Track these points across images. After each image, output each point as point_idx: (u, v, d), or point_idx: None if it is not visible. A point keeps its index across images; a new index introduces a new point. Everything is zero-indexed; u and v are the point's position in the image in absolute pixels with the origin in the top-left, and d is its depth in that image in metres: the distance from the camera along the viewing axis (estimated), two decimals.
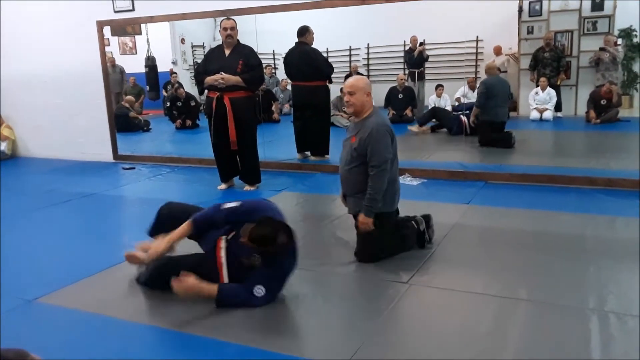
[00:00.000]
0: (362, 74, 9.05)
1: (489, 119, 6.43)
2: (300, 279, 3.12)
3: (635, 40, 8.06)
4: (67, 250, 3.68)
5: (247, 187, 5.04)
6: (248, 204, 2.83)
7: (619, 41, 8.02)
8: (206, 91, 4.90)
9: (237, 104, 4.70)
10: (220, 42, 4.94)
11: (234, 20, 4.83)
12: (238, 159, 5.04)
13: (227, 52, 4.79)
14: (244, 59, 4.70)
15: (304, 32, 5.77)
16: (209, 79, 4.72)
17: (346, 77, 9.50)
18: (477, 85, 6.94)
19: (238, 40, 4.83)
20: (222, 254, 2.75)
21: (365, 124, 3.09)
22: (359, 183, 3.14)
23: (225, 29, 4.74)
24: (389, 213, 3.21)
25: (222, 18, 4.91)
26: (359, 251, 3.22)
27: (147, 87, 7.90)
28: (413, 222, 3.28)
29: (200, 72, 4.89)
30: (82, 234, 4.05)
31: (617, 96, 7.60)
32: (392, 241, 3.24)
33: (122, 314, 2.69)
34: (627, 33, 8.03)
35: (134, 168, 6.32)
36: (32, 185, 5.67)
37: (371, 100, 3.13)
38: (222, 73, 4.66)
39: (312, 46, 5.86)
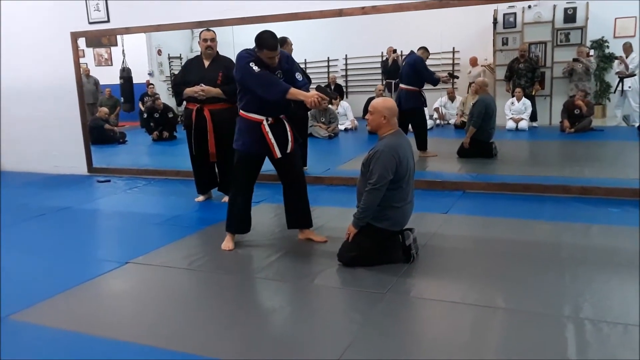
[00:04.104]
0: (340, 85, 9.12)
1: (480, 139, 6.36)
2: (278, 291, 3.11)
3: (607, 51, 8.25)
4: (41, 266, 3.59)
5: (226, 199, 4.99)
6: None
7: (592, 52, 8.20)
8: (185, 102, 4.86)
9: (217, 115, 4.66)
10: (197, 53, 4.90)
11: (214, 32, 4.79)
12: (217, 171, 5.01)
13: (206, 63, 4.75)
14: (224, 71, 4.64)
15: (282, 42, 5.72)
16: (189, 91, 4.67)
17: (321, 87, 9.53)
18: (472, 103, 6.92)
19: (217, 52, 4.80)
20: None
21: (378, 143, 3.24)
22: (362, 194, 3.26)
23: (205, 40, 4.70)
24: (376, 226, 3.22)
25: (202, 29, 4.88)
26: (340, 253, 3.30)
27: (122, 99, 7.83)
28: (400, 235, 3.29)
29: (179, 83, 4.83)
30: (56, 248, 3.96)
31: (590, 106, 7.76)
32: (374, 251, 3.26)
33: (97, 331, 2.62)
34: (599, 44, 8.21)
35: (109, 181, 6.23)
36: (4, 200, 5.54)
37: (390, 124, 3.24)
38: (202, 85, 4.63)
39: (292, 57, 5.86)
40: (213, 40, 4.72)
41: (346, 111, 9.02)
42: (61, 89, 6.50)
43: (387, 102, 3.29)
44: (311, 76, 6.12)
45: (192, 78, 4.71)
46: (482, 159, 6.24)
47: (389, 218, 3.22)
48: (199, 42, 4.80)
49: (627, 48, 7.83)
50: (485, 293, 2.84)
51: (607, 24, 8.01)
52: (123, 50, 7.60)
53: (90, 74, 8.57)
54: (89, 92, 8.32)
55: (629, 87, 7.84)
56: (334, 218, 4.16)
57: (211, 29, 4.87)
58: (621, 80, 7.89)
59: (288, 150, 3.59)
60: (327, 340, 2.46)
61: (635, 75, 7.76)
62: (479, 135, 6.38)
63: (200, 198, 5.11)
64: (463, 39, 8.06)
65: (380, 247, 3.27)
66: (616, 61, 8.04)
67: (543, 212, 4.27)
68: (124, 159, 7.81)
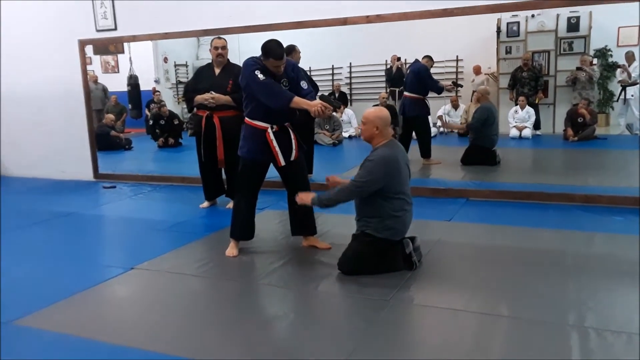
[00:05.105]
0: (345, 93, 9.17)
1: (483, 145, 6.40)
2: (282, 298, 3.12)
3: (610, 60, 8.27)
4: (45, 271, 3.61)
5: (231, 205, 5.00)
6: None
7: (595, 61, 8.22)
8: (195, 109, 4.90)
9: (226, 123, 4.68)
10: (202, 61, 4.94)
11: (225, 40, 4.82)
12: (225, 177, 5.03)
13: (217, 71, 4.78)
14: (234, 79, 4.62)
15: (290, 51, 5.76)
16: (199, 98, 4.70)
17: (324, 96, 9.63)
18: (473, 110, 6.99)
19: (228, 60, 4.83)
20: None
21: (372, 153, 3.24)
22: (361, 207, 3.28)
23: (216, 47, 4.72)
24: (376, 237, 3.22)
25: (213, 37, 4.91)
26: (340, 262, 3.29)
27: (130, 106, 7.88)
28: (400, 244, 3.29)
29: (190, 90, 4.87)
30: (61, 254, 3.98)
31: (593, 114, 7.78)
32: (375, 261, 3.25)
33: (102, 336, 2.64)
34: (602, 53, 8.23)
35: (114, 187, 6.26)
36: (9, 205, 5.58)
37: (383, 135, 3.22)
38: (213, 92, 4.66)
39: (298, 65, 5.89)
40: (224, 48, 4.75)
41: (350, 119, 9.07)
42: (68, 96, 6.55)
43: (379, 112, 3.26)
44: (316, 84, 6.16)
45: (202, 85, 4.74)
46: (485, 166, 6.25)
47: (390, 228, 3.21)
48: (210, 50, 4.84)
49: (630, 57, 7.85)
50: (489, 301, 2.85)
51: (610, 32, 8.04)
52: (130, 58, 7.66)
53: (98, 80, 8.66)
54: (97, 99, 8.39)
55: (632, 95, 7.86)
56: (338, 225, 4.17)
57: (222, 36, 4.89)
58: (624, 88, 7.90)
59: (292, 158, 3.61)
60: (330, 347, 2.46)
61: (637, 83, 7.77)
62: (481, 142, 6.41)
63: (205, 204, 5.13)
64: (467, 47, 8.10)
65: (380, 256, 3.26)
66: (618, 69, 8.06)
67: (546, 220, 4.27)
68: (130, 165, 7.86)
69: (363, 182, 3.14)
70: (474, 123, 6.46)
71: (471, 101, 8.12)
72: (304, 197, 3.35)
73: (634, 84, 7.79)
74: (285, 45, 5.72)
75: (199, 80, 4.85)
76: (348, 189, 3.19)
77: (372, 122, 3.20)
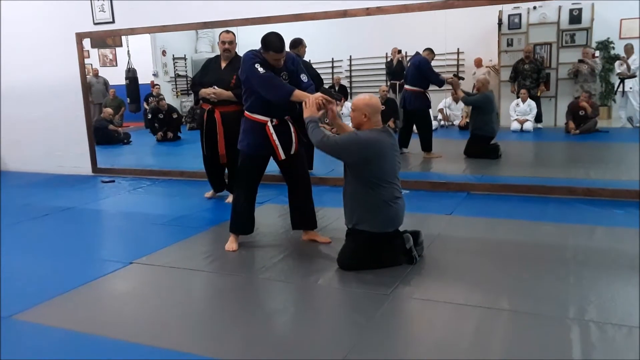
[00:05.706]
0: (345, 86, 9.12)
1: (483, 134, 6.42)
2: (282, 292, 3.11)
3: (612, 52, 8.22)
4: (44, 266, 3.60)
5: (230, 199, 4.99)
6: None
7: (597, 53, 8.17)
8: (201, 102, 4.88)
9: (228, 118, 4.65)
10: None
11: (233, 34, 4.79)
12: (227, 171, 5.03)
13: (223, 65, 4.76)
14: (238, 74, 4.64)
15: (297, 44, 5.73)
16: (202, 92, 4.70)
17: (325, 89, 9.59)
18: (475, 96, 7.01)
19: (236, 53, 4.80)
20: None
21: (363, 131, 3.22)
22: (352, 197, 3.27)
23: (223, 42, 4.69)
24: (371, 232, 3.19)
25: (221, 30, 4.87)
26: (339, 258, 3.28)
27: (128, 99, 7.85)
28: (399, 239, 3.26)
29: (196, 83, 4.87)
30: (60, 248, 3.97)
31: (594, 107, 7.75)
32: (373, 257, 3.23)
33: (101, 331, 2.63)
34: (604, 45, 8.18)
35: (113, 181, 6.24)
36: (8, 200, 5.56)
37: (371, 122, 3.19)
38: (215, 87, 4.64)
39: (300, 58, 5.85)
40: (231, 42, 4.72)
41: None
42: (66, 90, 6.52)
43: (368, 100, 3.23)
44: None
45: (208, 79, 4.74)
46: (486, 160, 6.23)
47: (384, 219, 3.16)
48: (217, 44, 4.82)
49: (629, 49, 7.80)
50: (490, 295, 2.83)
51: (612, 25, 7.98)
52: (128, 51, 7.63)
53: (99, 74, 8.64)
54: (98, 92, 8.37)
55: (630, 88, 7.82)
56: (338, 219, 4.14)
57: (230, 30, 4.85)
58: (622, 81, 7.86)
59: (292, 152, 3.59)
60: (331, 341, 2.45)
61: (636, 76, 7.74)
62: (481, 131, 6.44)
63: (210, 193, 5.15)
64: (468, 40, 8.05)
65: (379, 252, 3.23)
66: (617, 62, 8.01)
67: (547, 213, 4.26)
68: (129, 159, 7.85)
69: (338, 145, 3.17)
70: (469, 100, 6.53)
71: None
72: (311, 106, 3.26)
73: (632, 76, 7.75)
74: (291, 39, 5.75)
75: (205, 73, 4.84)
76: (326, 141, 3.17)
77: (361, 110, 3.18)
